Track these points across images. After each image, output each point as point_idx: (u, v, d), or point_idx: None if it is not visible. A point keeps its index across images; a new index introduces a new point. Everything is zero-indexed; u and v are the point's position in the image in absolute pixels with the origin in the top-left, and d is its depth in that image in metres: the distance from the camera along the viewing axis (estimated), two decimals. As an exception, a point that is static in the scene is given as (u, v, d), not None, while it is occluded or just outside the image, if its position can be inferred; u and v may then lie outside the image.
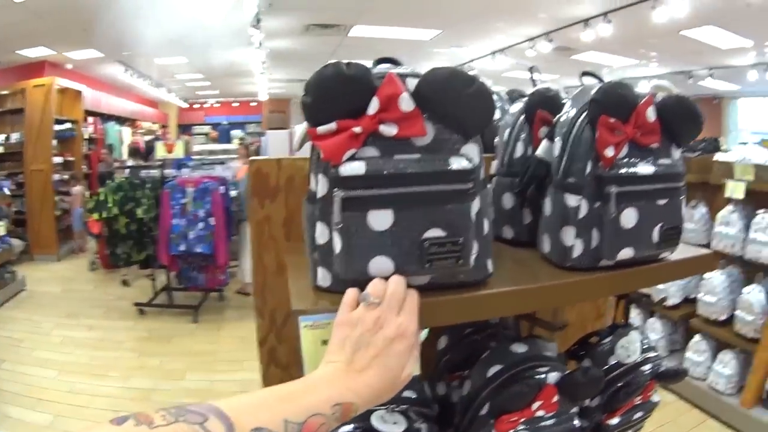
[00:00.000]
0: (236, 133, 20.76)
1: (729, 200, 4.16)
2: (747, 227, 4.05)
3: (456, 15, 8.84)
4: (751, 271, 4.18)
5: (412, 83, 0.93)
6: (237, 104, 21.50)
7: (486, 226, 1.03)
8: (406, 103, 0.91)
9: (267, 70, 13.90)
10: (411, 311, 0.89)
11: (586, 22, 8.65)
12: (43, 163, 9.55)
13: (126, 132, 14.02)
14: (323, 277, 1.01)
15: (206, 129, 21.37)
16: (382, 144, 0.93)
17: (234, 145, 12.29)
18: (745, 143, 10.61)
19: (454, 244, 0.93)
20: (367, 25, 9.47)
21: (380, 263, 0.92)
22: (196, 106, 21.46)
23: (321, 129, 0.91)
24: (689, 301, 4.65)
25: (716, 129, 14.83)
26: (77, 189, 9.70)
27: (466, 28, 9.73)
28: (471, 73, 0.95)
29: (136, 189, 6.51)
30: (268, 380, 1.63)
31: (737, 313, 4.08)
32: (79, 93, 10.78)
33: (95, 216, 6.54)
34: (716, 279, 4.18)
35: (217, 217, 6.25)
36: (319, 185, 0.96)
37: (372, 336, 0.85)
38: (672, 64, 12.30)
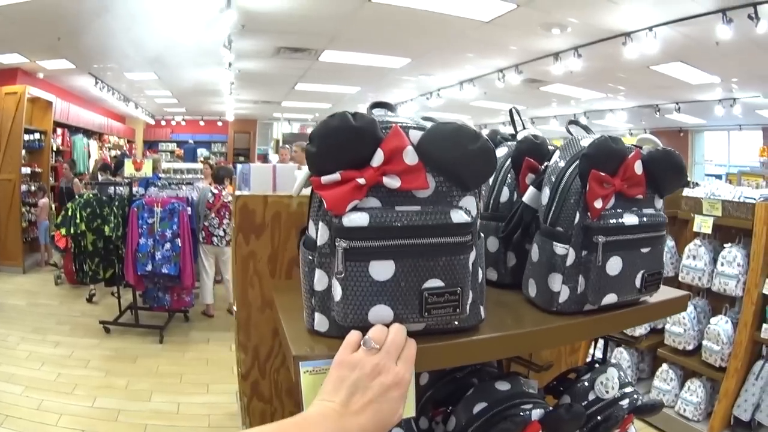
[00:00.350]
0: (202, 151, 20.73)
1: (696, 234, 4.24)
2: (714, 260, 4.14)
3: (426, 45, 8.95)
4: (718, 302, 4.27)
5: (415, 135, 0.95)
6: (203, 123, 21.35)
7: (480, 274, 1.06)
8: (411, 157, 0.93)
9: (235, 91, 13.93)
10: (409, 361, 0.91)
11: (556, 55, 8.79)
12: (11, 172, 9.39)
13: (93, 145, 13.88)
14: (320, 323, 1.02)
15: (172, 146, 21.34)
16: (384, 195, 0.95)
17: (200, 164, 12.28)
18: (712, 175, 10.80)
19: (452, 294, 0.96)
20: (337, 51, 9.53)
21: (380, 312, 0.94)
22: (162, 123, 21.32)
23: (325, 179, 0.92)
24: (656, 332, 4.72)
25: (683, 162, 15.07)
26: (44, 201, 9.58)
27: (436, 58, 9.83)
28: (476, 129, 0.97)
29: (104, 206, 6.44)
30: (251, 413, 1.65)
31: (705, 342, 4.15)
32: (49, 103, 10.64)
33: (62, 231, 6.46)
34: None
35: (184, 238, 6.21)
36: (320, 233, 0.97)
37: (370, 381, 0.85)
38: (640, 97, 12.53)
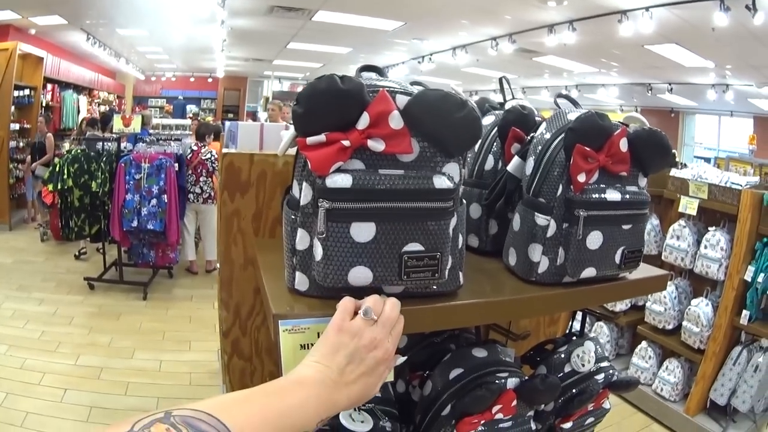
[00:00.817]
0: (191, 108, 20.67)
1: (681, 214, 4.26)
2: (698, 242, 4.16)
3: (420, 9, 8.89)
4: (699, 284, 4.30)
5: (401, 100, 0.95)
6: (193, 79, 21.16)
7: (460, 240, 1.07)
8: (396, 121, 0.93)
9: (227, 48, 13.82)
10: (397, 338, 0.92)
11: (550, 27, 8.74)
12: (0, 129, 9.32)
13: (83, 101, 13.76)
14: (300, 282, 1.03)
15: (162, 102, 21.22)
16: (368, 157, 0.95)
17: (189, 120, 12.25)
18: (701, 158, 10.82)
19: (431, 258, 0.97)
20: (331, 11, 9.45)
21: (359, 273, 0.95)
22: (153, 78, 21.12)
23: (310, 140, 0.92)
24: (637, 308, 4.76)
25: (672, 142, 14.95)
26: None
27: (430, 23, 9.78)
28: (461, 97, 0.97)
29: (91, 162, 6.39)
30: (230, 371, 1.66)
31: (684, 323, 4.19)
32: (40, 59, 10.49)
33: (50, 187, 6.43)
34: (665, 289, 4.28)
35: (170, 195, 6.19)
36: (303, 193, 0.98)
37: (366, 353, 0.87)
38: (633, 75, 12.49)
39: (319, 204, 0.92)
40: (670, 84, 12.39)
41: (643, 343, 4.63)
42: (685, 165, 5.21)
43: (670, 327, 4.35)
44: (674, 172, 4.53)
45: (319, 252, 0.95)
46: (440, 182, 0.96)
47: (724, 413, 4.14)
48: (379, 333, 0.89)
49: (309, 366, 0.85)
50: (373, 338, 0.88)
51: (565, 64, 12.16)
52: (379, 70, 1.08)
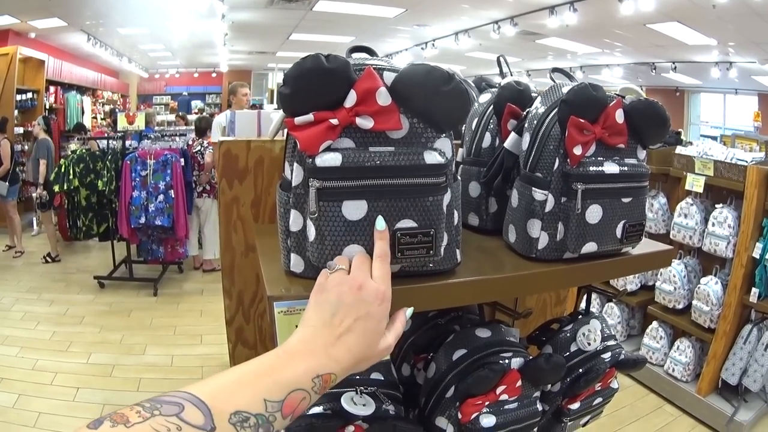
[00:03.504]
0: (197, 103, 20.73)
1: (688, 192, 4.24)
2: (705, 220, 4.14)
3: (421, -6, 8.84)
4: (708, 262, 4.28)
5: (389, 77, 0.94)
6: (197, 75, 21.30)
7: (456, 217, 1.05)
8: (383, 98, 0.92)
9: (229, 42, 13.86)
10: (384, 277, 0.89)
11: (551, 9, 8.69)
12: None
13: (86, 101, 13.79)
14: (296, 263, 1.02)
15: (166, 99, 21.32)
16: (358, 136, 0.94)
17: (193, 116, 12.26)
18: (708, 137, 10.79)
19: (425, 235, 0.96)
20: (331, 1, 9.46)
21: (353, 251, 0.93)
22: (156, 76, 21.21)
23: (298, 120, 0.91)
24: (647, 288, 4.75)
25: (678, 121, 15.01)
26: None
27: (431, 8, 9.73)
28: (449, 70, 0.96)
29: (96, 161, 6.44)
30: (235, 359, 1.66)
31: (694, 302, 4.18)
32: (41, 62, 10.58)
33: (56, 188, 6.47)
34: (674, 269, 4.27)
35: (177, 190, 6.23)
36: (294, 174, 0.97)
37: (351, 297, 0.82)
38: (636, 55, 12.42)
39: (310, 183, 0.91)
40: (673, 63, 12.31)
41: (654, 324, 4.62)
42: (691, 143, 5.18)
43: (680, 306, 4.34)
44: (679, 149, 4.51)
45: (312, 232, 0.94)
46: (431, 158, 0.94)
47: (736, 393, 4.13)
48: (357, 275, 0.86)
49: (294, 333, 0.81)
50: (353, 282, 0.84)
51: (568, 46, 12.10)
52: (369, 51, 1.07)
